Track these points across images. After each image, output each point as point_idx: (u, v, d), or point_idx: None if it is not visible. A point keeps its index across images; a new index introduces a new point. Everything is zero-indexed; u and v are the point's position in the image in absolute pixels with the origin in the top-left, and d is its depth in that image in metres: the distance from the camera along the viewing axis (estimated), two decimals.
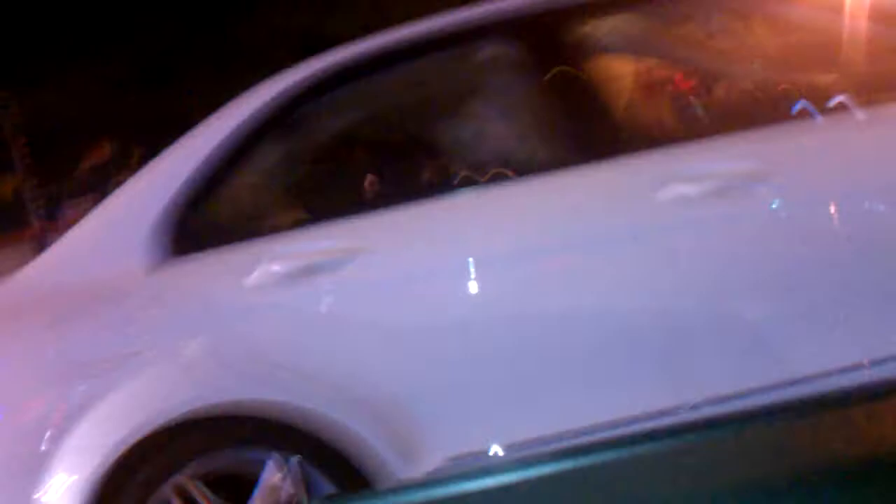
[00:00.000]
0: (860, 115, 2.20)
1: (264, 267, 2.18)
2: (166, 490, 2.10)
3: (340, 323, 2.18)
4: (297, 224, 2.36)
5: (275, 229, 2.34)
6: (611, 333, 2.15)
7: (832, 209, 2.16)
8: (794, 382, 2.07)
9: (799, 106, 2.27)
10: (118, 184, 2.56)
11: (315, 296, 2.18)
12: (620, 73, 2.55)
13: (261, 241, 2.27)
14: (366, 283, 2.18)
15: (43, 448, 2.07)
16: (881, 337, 2.12)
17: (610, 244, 2.17)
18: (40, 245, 10.61)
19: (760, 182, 2.16)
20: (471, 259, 2.18)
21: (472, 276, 2.18)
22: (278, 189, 2.59)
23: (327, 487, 2.12)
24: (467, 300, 2.21)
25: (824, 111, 2.21)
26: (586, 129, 2.28)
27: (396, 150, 2.81)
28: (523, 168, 2.31)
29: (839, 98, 2.21)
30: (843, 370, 2.07)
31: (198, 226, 2.31)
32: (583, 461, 1.08)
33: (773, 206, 2.14)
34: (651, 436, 1.10)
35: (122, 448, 2.06)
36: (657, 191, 2.15)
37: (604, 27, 2.52)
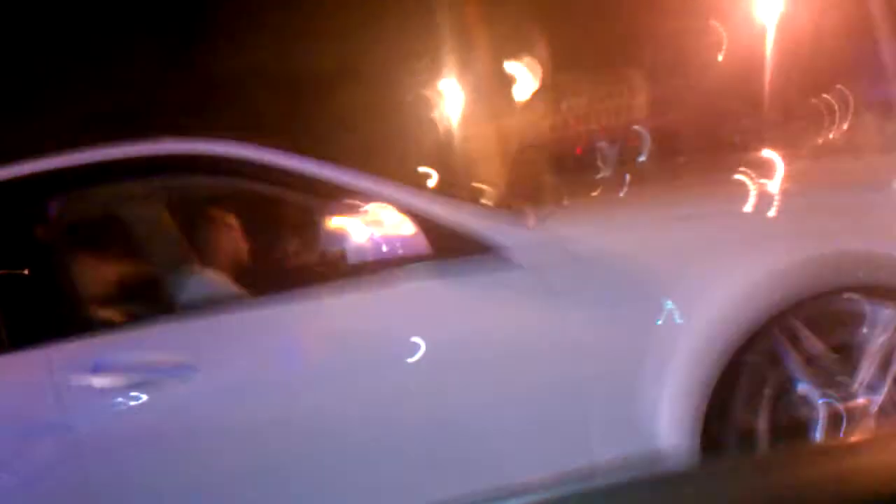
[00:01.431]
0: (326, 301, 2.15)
1: None
2: None
3: None
4: None
5: None
6: None
7: (265, 399, 2.07)
8: None
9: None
10: None
11: None
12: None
13: None
14: None
15: None
16: None
17: (24, 435, 2.05)
18: None
19: (185, 373, 2.05)
20: None
21: None
22: None
23: None
24: None
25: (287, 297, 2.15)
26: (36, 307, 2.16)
27: None
28: None
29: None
30: None
31: None
32: None
33: (199, 397, 2.05)
34: None
35: None
36: (75, 380, 2.03)
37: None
